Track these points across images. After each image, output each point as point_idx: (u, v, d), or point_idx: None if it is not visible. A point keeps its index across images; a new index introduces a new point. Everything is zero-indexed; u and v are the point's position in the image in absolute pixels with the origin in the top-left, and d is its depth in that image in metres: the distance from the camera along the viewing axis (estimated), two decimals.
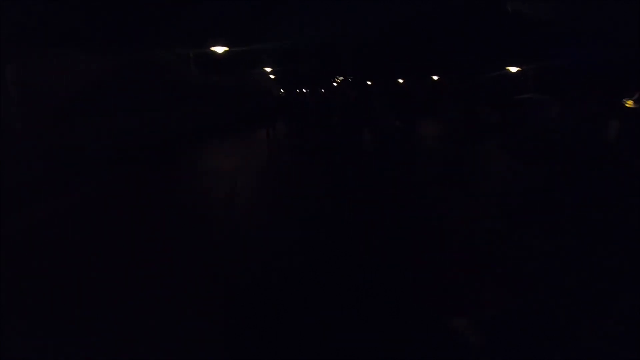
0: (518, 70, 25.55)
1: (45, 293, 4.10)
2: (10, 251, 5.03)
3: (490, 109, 19.73)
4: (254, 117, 22.63)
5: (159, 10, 17.02)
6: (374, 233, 6.06)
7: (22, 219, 6.23)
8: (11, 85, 7.17)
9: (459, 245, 5.64)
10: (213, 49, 22.63)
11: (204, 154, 14.16)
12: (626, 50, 18.18)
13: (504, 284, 4.49)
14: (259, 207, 7.62)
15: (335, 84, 55.65)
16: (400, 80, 38.69)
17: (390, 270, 4.82)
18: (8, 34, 9.17)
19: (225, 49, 22.81)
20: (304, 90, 41.36)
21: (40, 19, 10.86)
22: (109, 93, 10.69)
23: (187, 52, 21.38)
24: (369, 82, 42.76)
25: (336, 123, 17.08)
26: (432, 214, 7.04)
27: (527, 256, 5.30)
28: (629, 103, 17.54)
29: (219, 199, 7.81)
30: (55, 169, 8.21)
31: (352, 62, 47.91)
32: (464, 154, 14.39)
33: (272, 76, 43.59)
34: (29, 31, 10.79)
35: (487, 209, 7.47)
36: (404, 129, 16.80)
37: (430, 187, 9.12)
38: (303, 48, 50.07)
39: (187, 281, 4.46)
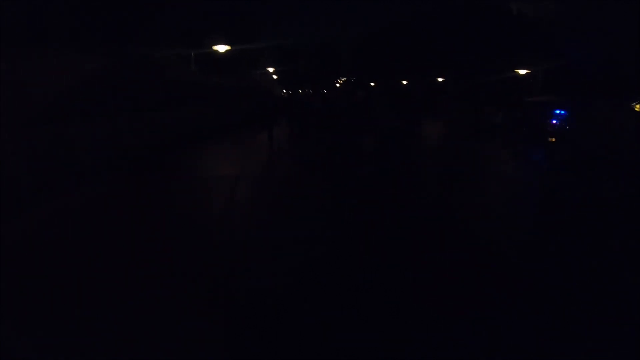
0: (527, 73, 25.49)
1: (38, 296, 4.09)
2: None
3: (495, 109, 19.76)
4: (255, 118, 22.33)
5: (157, 8, 16.92)
6: (379, 237, 6.07)
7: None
8: None
9: (459, 245, 5.68)
10: (215, 47, 22.61)
11: (203, 156, 13.74)
12: (632, 50, 18.22)
13: (504, 283, 4.51)
14: (261, 215, 7.41)
15: (338, 84, 55.78)
16: (404, 82, 38.76)
17: (391, 270, 4.84)
18: None
19: (227, 48, 22.77)
20: (307, 91, 41.38)
21: (32, 16, 10.82)
22: (103, 93, 10.37)
23: (187, 51, 21.37)
24: (372, 84, 42.94)
25: (341, 124, 16.90)
26: (431, 215, 7.09)
27: (529, 256, 5.36)
28: (638, 107, 17.63)
29: (218, 207, 7.49)
30: (41, 174, 7.72)
31: (354, 62, 48.00)
32: (465, 154, 14.41)
33: (274, 76, 43.66)
34: (18, 29, 10.78)
35: (484, 210, 7.52)
36: (406, 129, 16.81)
37: (429, 189, 9.20)
38: (305, 48, 50.22)
39: (178, 291, 4.35)
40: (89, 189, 8.27)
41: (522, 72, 23.68)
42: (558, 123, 14.42)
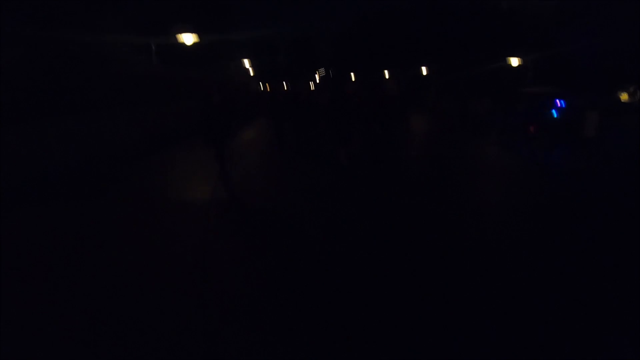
0: (519, 63, 25.23)
1: None
2: None
3: (483, 101, 19.45)
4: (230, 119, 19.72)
5: None
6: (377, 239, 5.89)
7: None
8: None
9: (458, 246, 5.58)
10: (179, 37, 21.61)
11: (157, 172, 10.55)
12: (627, 40, 18.10)
13: (502, 283, 4.51)
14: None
15: (317, 77, 55.28)
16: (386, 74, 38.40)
17: (389, 271, 4.81)
18: None
19: (194, 37, 21.79)
20: (285, 86, 40.67)
21: None
22: (29, 92, 8.93)
23: (147, 41, 20.30)
24: (352, 76, 42.55)
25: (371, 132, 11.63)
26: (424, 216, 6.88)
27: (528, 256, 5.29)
28: (624, 96, 17.83)
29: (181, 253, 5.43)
30: None
31: (337, 53, 47.57)
32: (454, 151, 13.99)
33: (250, 70, 42.94)
34: None
35: (483, 209, 7.30)
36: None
37: (430, 189, 8.80)
38: (285, 38, 49.75)
39: None
40: None
41: (514, 61, 23.38)
42: (557, 115, 14.33)
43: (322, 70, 54.34)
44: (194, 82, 22.30)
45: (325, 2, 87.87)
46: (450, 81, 30.50)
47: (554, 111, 14.49)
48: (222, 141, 8.46)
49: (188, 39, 21.49)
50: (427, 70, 34.50)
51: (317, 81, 51.64)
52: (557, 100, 14.61)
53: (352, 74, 41.54)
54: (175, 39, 21.24)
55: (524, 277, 4.59)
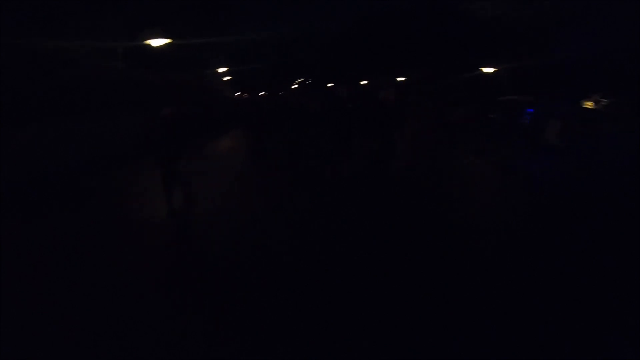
0: (495, 71, 25.87)
1: None
2: None
3: (463, 110, 19.84)
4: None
5: None
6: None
7: None
8: None
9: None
10: (148, 42, 20.95)
11: (121, 190, 9.41)
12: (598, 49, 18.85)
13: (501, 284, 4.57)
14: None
15: (296, 86, 55.25)
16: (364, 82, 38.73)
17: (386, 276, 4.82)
18: None
19: (167, 41, 21.18)
20: (261, 94, 40.34)
21: None
22: None
23: (113, 45, 19.69)
24: (330, 84, 42.77)
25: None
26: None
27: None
28: (589, 104, 18.82)
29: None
30: None
31: (318, 60, 47.65)
32: (431, 160, 14.21)
33: (227, 77, 42.61)
34: None
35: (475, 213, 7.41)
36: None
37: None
38: (263, 45, 49.57)
39: None
40: None
41: (491, 70, 23.91)
42: (529, 122, 14.79)
43: (310, 75, 54.15)
44: (169, 87, 21.74)
45: (317, 2, 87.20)
46: (441, 87, 30.89)
47: (522, 119, 14.98)
48: (172, 160, 6.82)
49: (161, 42, 20.97)
50: (420, 75, 34.89)
51: (306, 86, 51.20)
52: (527, 108, 15.12)
53: (343, 78, 41.59)
54: (155, 42, 20.68)
55: (524, 278, 4.67)
